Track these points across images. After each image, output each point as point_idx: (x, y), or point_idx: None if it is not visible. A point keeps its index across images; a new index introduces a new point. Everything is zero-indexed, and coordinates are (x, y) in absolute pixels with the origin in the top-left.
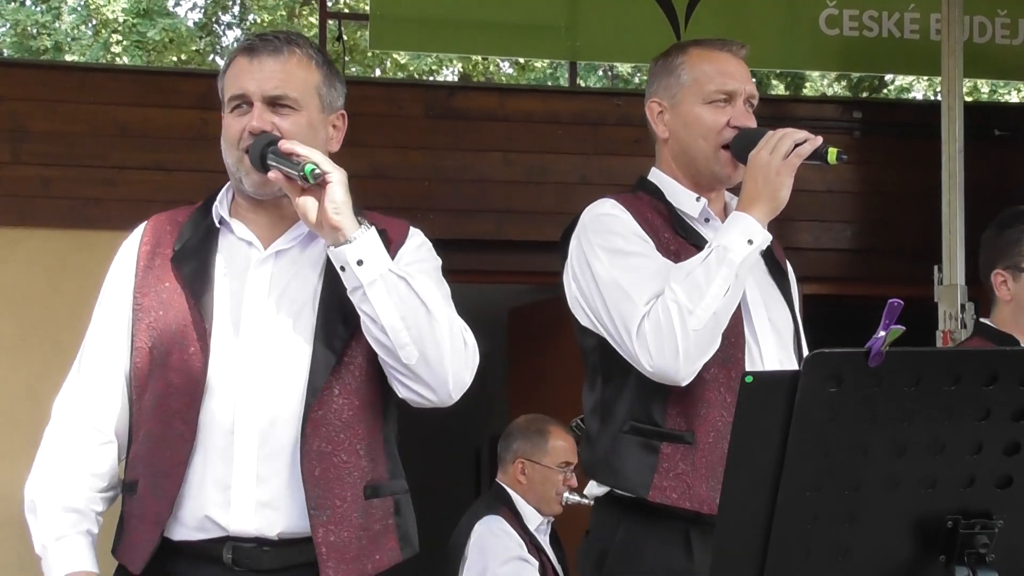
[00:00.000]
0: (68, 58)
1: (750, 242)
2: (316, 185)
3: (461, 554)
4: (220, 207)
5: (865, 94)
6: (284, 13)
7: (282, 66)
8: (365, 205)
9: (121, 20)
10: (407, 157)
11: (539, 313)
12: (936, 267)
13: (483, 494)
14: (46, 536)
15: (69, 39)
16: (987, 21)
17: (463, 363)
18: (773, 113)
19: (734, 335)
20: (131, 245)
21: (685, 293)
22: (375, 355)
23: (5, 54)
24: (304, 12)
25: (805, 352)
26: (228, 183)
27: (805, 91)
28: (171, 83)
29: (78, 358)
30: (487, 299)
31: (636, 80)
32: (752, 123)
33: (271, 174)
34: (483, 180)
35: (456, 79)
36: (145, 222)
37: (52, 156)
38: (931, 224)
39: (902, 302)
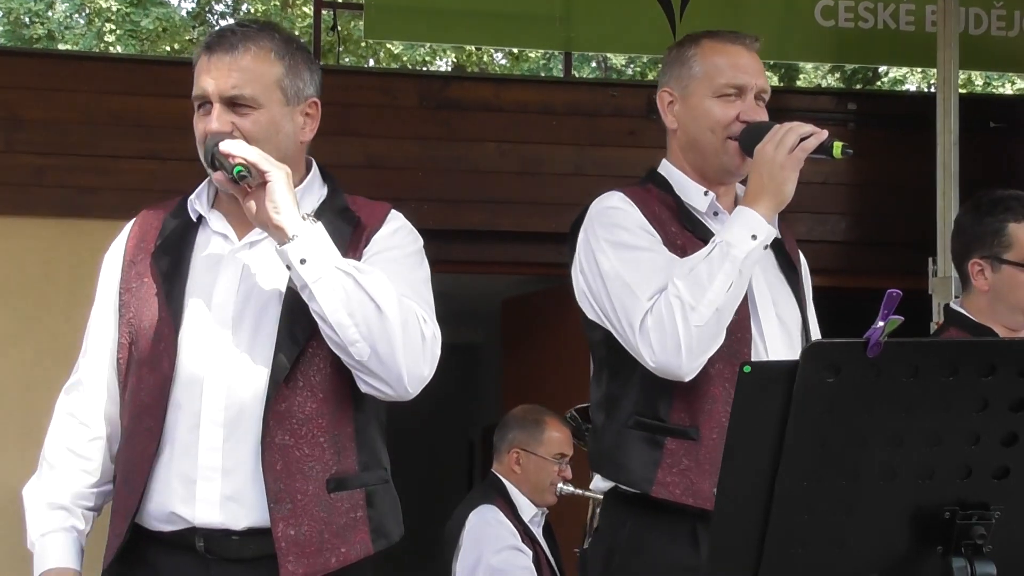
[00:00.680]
0: (61, 47)
1: (754, 237)
2: (259, 185)
3: (456, 544)
4: (198, 201)
5: (860, 86)
6: (278, 3)
7: (238, 63)
8: (357, 195)
9: (114, 9)
10: (401, 147)
11: (533, 304)
12: (931, 259)
13: (477, 484)
14: (33, 532)
15: (62, 28)
16: (983, 13)
17: (419, 357)
18: (767, 104)
19: (740, 330)
20: (119, 242)
21: (688, 289)
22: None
23: None
24: (298, 2)
25: None
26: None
27: (799, 83)
28: (165, 72)
29: (81, 355)
30: (481, 290)
31: (630, 71)
32: (762, 117)
33: (216, 175)
34: (477, 171)
35: (450, 69)
36: (135, 217)
37: (46, 145)
38: (926, 216)
39: (901, 292)
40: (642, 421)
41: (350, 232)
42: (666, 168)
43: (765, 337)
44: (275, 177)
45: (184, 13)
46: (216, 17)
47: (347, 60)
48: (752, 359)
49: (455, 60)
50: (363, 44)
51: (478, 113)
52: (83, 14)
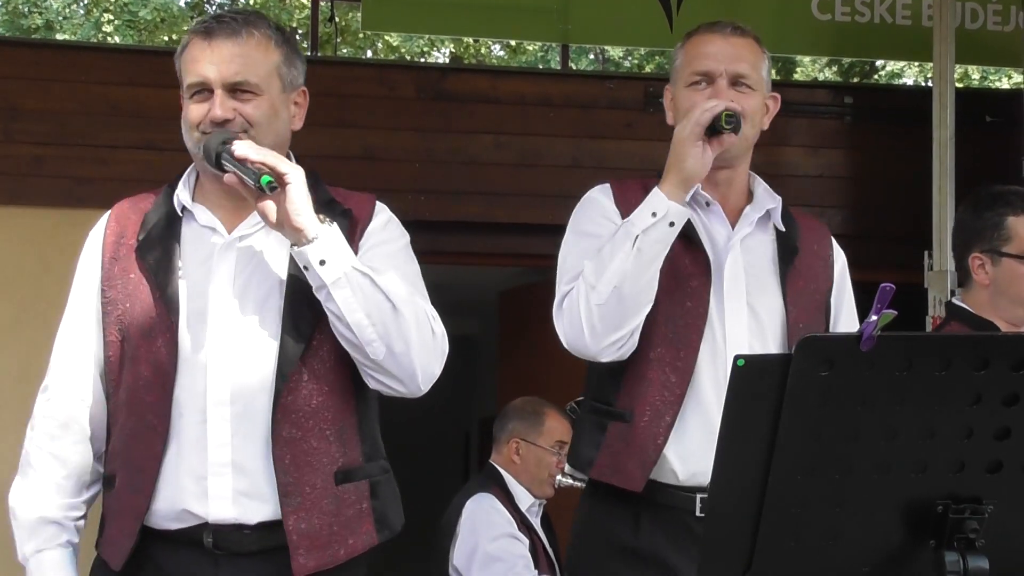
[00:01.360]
0: (59, 37)
1: (653, 215)
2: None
3: (452, 532)
4: (182, 194)
5: (856, 79)
6: None
7: (241, 49)
8: (355, 186)
9: None
10: (398, 139)
11: (530, 296)
12: (926, 253)
13: (474, 475)
14: (26, 548)
15: (60, 18)
16: (979, 7)
17: (431, 354)
18: None
19: (691, 317)
20: (96, 237)
21: (591, 269)
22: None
23: None
24: None
25: None
26: (192, 165)
27: (796, 76)
28: (163, 62)
29: (52, 356)
30: (478, 281)
31: (627, 63)
32: (744, 103)
33: (227, 178)
34: (474, 162)
35: (447, 61)
36: (109, 211)
37: (44, 135)
38: (921, 210)
39: (894, 286)
40: (595, 406)
41: (346, 226)
42: None
43: (727, 325)
44: (295, 179)
45: (183, 3)
46: (214, 7)
47: (345, 51)
48: (702, 346)
49: (453, 51)
50: (361, 35)
51: (475, 105)
52: (81, 4)
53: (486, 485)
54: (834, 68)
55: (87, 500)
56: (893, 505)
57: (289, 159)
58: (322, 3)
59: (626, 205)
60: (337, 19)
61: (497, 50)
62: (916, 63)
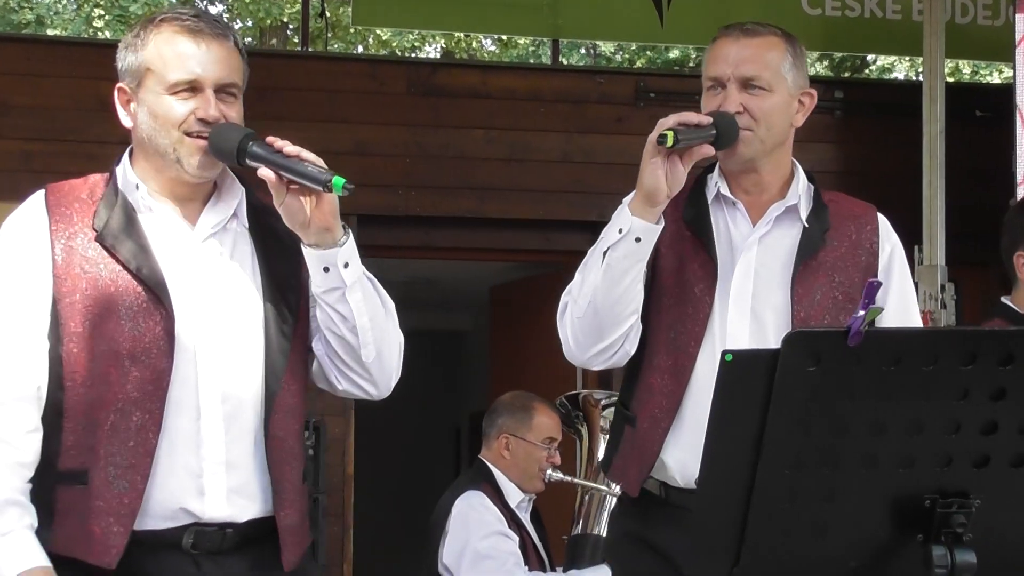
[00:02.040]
0: (50, 32)
1: (620, 231)
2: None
3: (442, 529)
4: (137, 191)
5: (847, 74)
6: None
7: (227, 52)
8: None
9: None
10: (389, 133)
11: (521, 291)
12: (916, 247)
13: (464, 470)
14: None
15: (51, 13)
16: (969, 2)
17: (399, 361)
18: None
19: (692, 322)
20: (35, 223)
21: (577, 281)
22: (309, 341)
23: None
24: None
25: None
26: (122, 157)
27: None
28: None
29: None
30: (468, 277)
31: (618, 58)
32: (754, 105)
33: (263, 172)
34: (465, 157)
35: (438, 56)
36: (36, 198)
37: (34, 130)
38: (912, 204)
39: (881, 281)
40: (619, 408)
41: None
42: None
43: (728, 329)
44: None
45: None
46: (204, 3)
47: (335, 46)
48: (699, 353)
49: (444, 46)
50: (351, 31)
51: (466, 100)
52: None
53: (476, 482)
54: (824, 63)
55: (31, 491)
56: (881, 500)
57: None
58: None
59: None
60: (328, 14)
61: (488, 44)
62: (906, 57)
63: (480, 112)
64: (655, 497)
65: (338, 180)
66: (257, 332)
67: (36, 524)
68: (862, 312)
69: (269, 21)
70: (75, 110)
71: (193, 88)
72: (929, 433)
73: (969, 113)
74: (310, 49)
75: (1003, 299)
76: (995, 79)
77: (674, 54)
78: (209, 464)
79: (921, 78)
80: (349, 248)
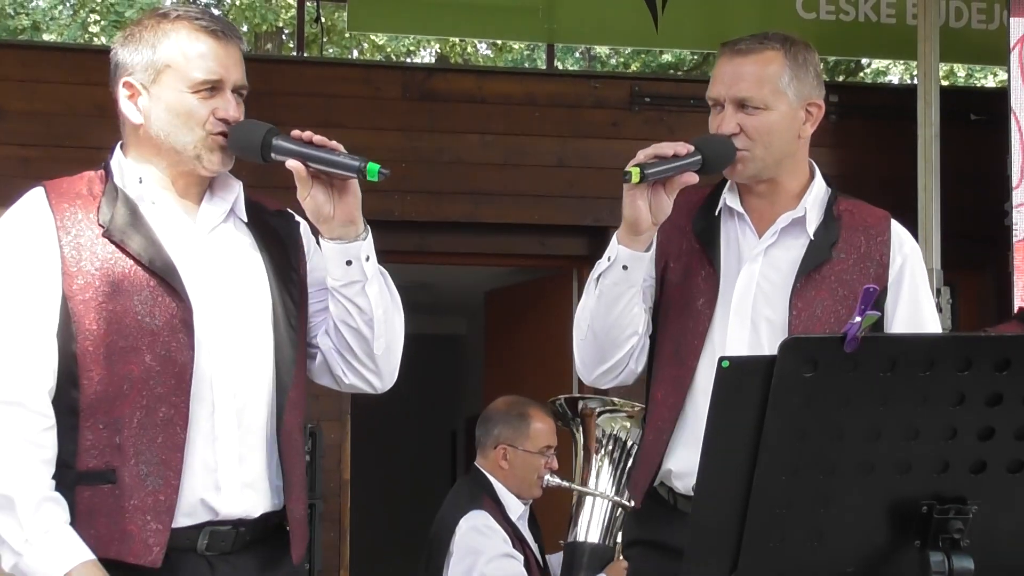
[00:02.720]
0: (46, 37)
1: (608, 259)
2: (334, 179)
3: (446, 549)
4: (141, 184)
5: (841, 78)
6: None
7: (240, 55)
8: None
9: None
10: (384, 138)
11: (516, 296)
12: None
13: (462, 479)
14: (32, 530)
15: (47, 18)
16: (963, 5)
17: (401, 352)
18: None
19: (692, 335)
20: (40, 220)
21: (581, 304)
22: (308, 335)
23: None
24: None
25: None
26: (114, 151)
27: None
28: None
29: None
30: (464, 281)
31: (613, 62)
32: (750, 124)
33: (292, 164)
34: (460, 162)
35: (433, 60)
36: (36, 195)
37: (30, 136)
38: (907, 208)
39: (877, 287)
40: (641, 424)
41: (291, 228)
42: None
43: (728, 342)
44: None
45: (168, 3)
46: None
47: (331, 51)
48: (698, 365)
49: (439, 51)
50: (347, 36)
51: (461, 105)
52: (68, 4)
53: (477, 498)
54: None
55: None
56: (878, 505)
57: None
58: (308, 3)
59: (670, 223)
60: (323, 19)
61: (483, 49)
62: (901, 61)
63: (475, 117)
64: (665, 502)
65: (372, 166)
66: (267, 324)
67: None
68: (859, 318)
69: (265, 26)
70: (71, 115)
71: (214, 88)
72: (926, 438)
73: (964, 117)
74: (305, 54)
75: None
76: (989, 82)
77: (668, 58)
78: (224, 458)
79: (916, 82)
80: (370, 241)
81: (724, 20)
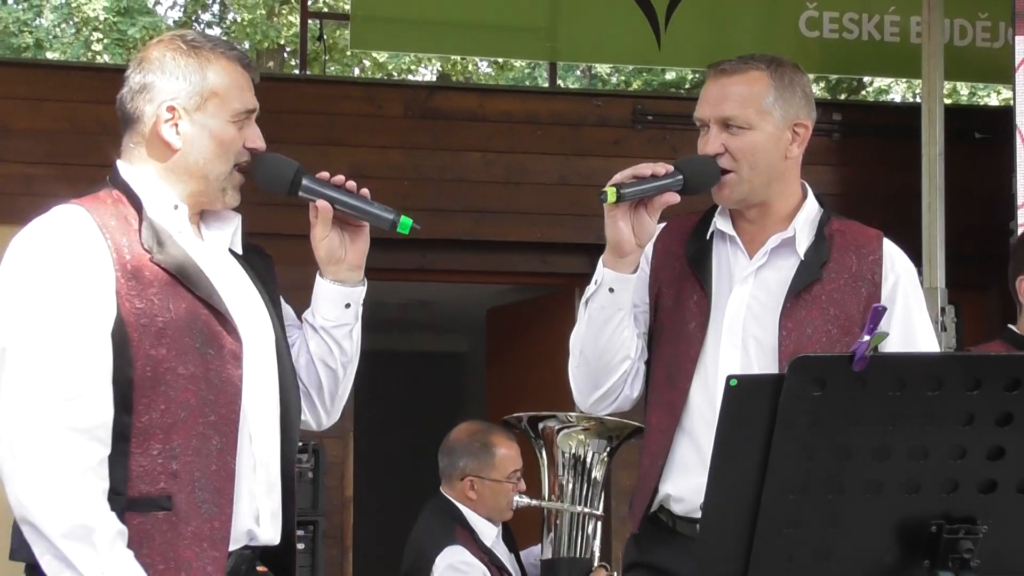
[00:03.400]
0: (49, 56)
1: (595, 282)
2: (349, 223)
3: None
4: (176, 211)
5: (844, 96)
6: (264, 12)
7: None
8: None
9: (102, 18)
10: (386, 157)
11: (518, 313)
12: (916, 270)
13: (430, 506)
14: (109, 563)
15: (50, 37)
16: (967, 24)
17: None
18: None
19: (684, 359)
20: (92, 239)
21: (574, 330)
22: None
23: None
24: (284, 11)
25: None
26: (129, 174)
27: None
28: None
29: (45, 362)
30: (466, 299)
31: (614, 80)
32: (734, 144)
33: (322, 204)
34: (462, 180)
35: (435, 78)
36: (76, 212)
37: (34, 154)
38: (911, 227)
39: (886, 307)
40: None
41: (268, 263)
42: None
43: (719, 365)
44: None
45: (171, 22)
46: (202, 26)
47: (333, 69)
48: (692, 387)
49: (440, 69)
50: (349, 54)
51: (463, 123)
52: (71, 23)
53: (451, 531)
54: (822, 85)
55: None
56: (886, 525)
57: None
58: (311, 22)
59: (662, 249)
60: (325, 37)
61: (485, 67)
62: (904, 79)
63: (477, 135)
64: (665, 525)
65: (406, 220)
66: (271, 352)
67: None
68: (867, 337)
69: (267, 44)
70: (75, 133)
71: (247, 117)
72: (935, 458)
73: (968, 135)
74: (308, 72)
75: (1009, 326)
76: (993, 100)
77: (670, 76)
78: (260, 486)
79: (919, 100)
80: (364, 287)
81: (726, 38)
